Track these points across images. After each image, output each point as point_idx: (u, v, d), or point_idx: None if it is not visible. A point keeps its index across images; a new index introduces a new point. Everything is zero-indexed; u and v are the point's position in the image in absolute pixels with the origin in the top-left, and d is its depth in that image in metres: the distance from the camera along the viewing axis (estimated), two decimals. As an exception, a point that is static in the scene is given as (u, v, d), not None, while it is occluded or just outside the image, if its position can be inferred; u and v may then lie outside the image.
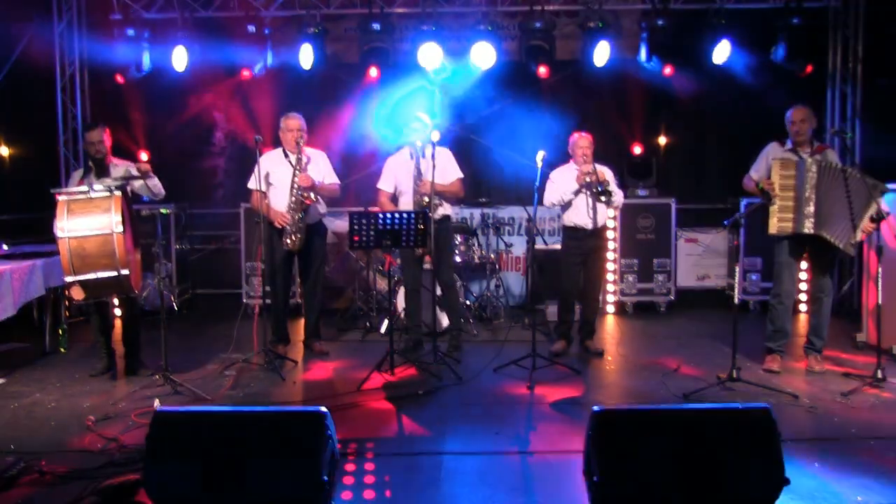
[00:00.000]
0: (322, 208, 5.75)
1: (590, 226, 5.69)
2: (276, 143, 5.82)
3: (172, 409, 3.07)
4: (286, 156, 5.65)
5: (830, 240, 4.97)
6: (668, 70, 7.61)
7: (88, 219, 4.48)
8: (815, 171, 4.98)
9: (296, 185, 5.48)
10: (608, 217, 5.99)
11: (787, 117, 5.19)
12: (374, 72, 7.68)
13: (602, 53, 7.30)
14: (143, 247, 5.15)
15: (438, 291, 6.08)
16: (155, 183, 5.20)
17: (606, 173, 5.71)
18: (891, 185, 5.47)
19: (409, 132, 5.68)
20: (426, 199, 5.47)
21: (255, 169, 5.45)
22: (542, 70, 7.71)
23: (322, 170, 5.74)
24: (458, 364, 5.49)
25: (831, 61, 7.83)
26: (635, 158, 8.20)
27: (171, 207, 7.20)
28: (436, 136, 5.54)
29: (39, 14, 7.51)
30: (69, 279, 4.47)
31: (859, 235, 4.95)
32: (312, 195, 5.51)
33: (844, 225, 4.93)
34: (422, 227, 5.10)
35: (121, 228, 4.49)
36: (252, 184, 5.60)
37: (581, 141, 5.70)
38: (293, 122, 5.61)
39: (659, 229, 7.68)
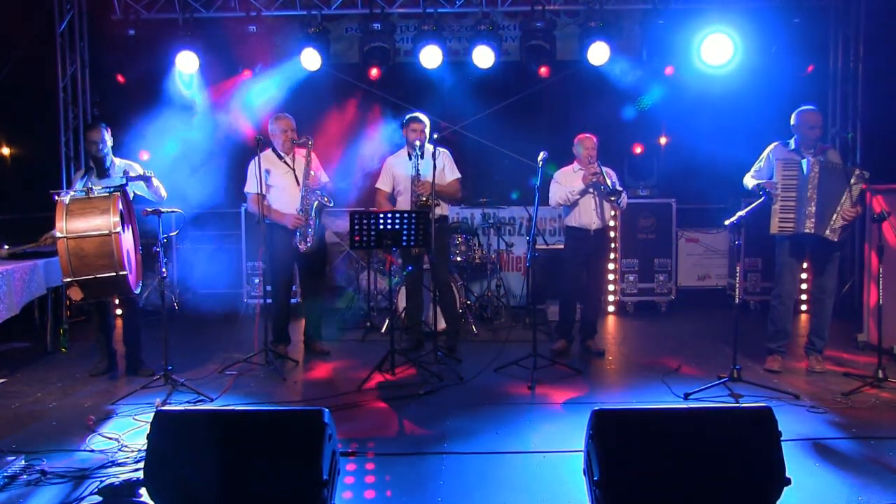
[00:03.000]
0: (331, 204, 5.78)
1: (595, 226, 5.70)
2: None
3: (173, 409, 3.07)
4: (280, 157, 5.65)
5: (827, 236, 4.98)
6: (668, 70, 7.61)
7: (87, 220, 4.48)
8: (818, 171, 4.98)
9: (307, 188, 5.48)
10: (610, 217, 5.99)
11: (801, 121, 5.11)
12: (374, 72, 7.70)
13: (602, 53, 7.29)
14: (143, 247, 5.15)
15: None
16: (156, 187, 5.19)
17: (611, 174, 5.72)
18: (892, 186, 5.48)
19: (408, 132, 5.69)
20: (423, 198, 5.48)
21: (253, 172, 5.43)
22: (543, 70, 7.70)
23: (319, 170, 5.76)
24: (458, 364, 5.50)
25: (832, 60, 7.83)
26: (635, 158, 8.19)
27: (172, 207, 7.21)
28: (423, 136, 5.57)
29: (41, 14, 7.51)
30: (68, 280, 4.47)
31: (839, 221, 4.95)
32: (326, 198, 5.55)
33: (831, 217, 4.99)
34: (422, 226, 5.11)
35: (119, 229, 4.49)
36: (250, 188, 5.58)
37: (586, 142, 5.71)
38: (286, 123, 5.62)
39: (659, 229, 7.68)
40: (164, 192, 5.26)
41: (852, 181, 4.94)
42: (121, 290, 4.68)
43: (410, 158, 5.66)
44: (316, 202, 5.54)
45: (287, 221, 5.53)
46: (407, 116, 5.78)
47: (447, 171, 5.72)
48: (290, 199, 5.56)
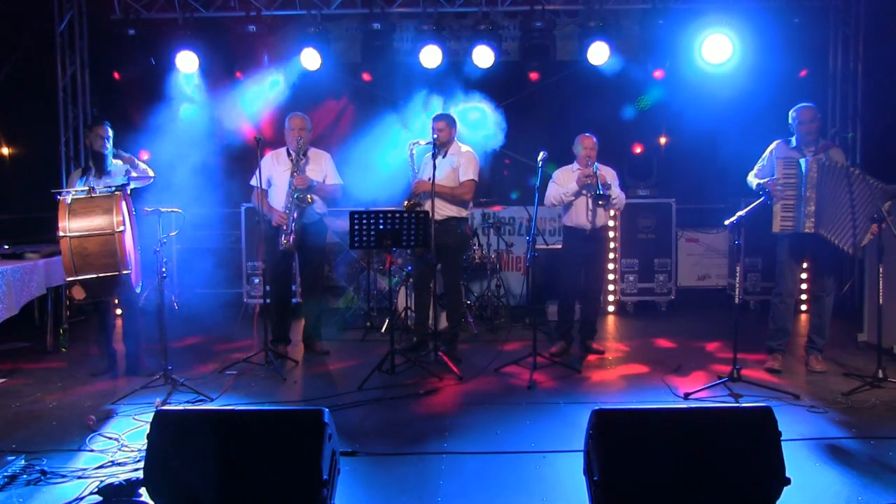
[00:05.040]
0: (320, 207, 5.75)
1: (588, 227, 5.69)
2: (278, 143, 5.83)
3: (173, 409, 3.08)
4: (289, 155, 5.67)
5: (831, 239, 4.96)
6: (659, 73, 7.64)
7: (90, 219, 4.49)
8: (816, 169, 4.98)
9: (292, 186, 5.49)
10: (609, 217, 5.98)
11: (795, 117, 5.14)
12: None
13: (601, 53, 7.30)
14: (143, 246, 5.15)
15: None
16: (142, 169, 5.23)
17: (609, 175, 5.71)
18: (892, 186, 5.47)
19: (432, 132, 5.63)
20: (406, 201, 5.47)
21: (258, 167, 5.47)
22: (541, 72, 7.71)
23: (324, 169, 5.74)
24: (458, 364, 5.49)
25: (832, 60, 7.83)
26: (635, 158, 8.19)
27: (172, 207, 7.22)
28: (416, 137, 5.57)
29: (40, 14, 7.51)
30: (70, 279, 4.47)
31: (866, 239, 4.88)
32: (309, 196, 5.52)
33: (846, 225, 4.92)
34: (422, 227, 5.10)
35: (122, 228, 4.49)
36: (254, 181, 5.62)
37: (585, 142, 5.70)
38: (296, 122, 5.64)
39: (659, 229, 7.68)
40: (151, 172, 5.31)
41: (881, 196, 4.78)
42: (123, 289, 4.69)
43: (433, 158, 5.60)
44: (297, 202, 5.51)
45: (273, 217, 5.57)
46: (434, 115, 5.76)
47: (461, 171, 5.62)
48: (284, 196, 5.57)
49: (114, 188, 4.68)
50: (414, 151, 5.61)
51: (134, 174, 5.10)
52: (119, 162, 5.27)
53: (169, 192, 5.39)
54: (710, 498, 2.74)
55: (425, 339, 5.88)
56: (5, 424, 4.34)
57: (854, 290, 7.51)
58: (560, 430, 4.20)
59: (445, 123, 5.61)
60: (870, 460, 3.69)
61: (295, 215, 5.51)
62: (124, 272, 4.52)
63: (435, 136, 5.53)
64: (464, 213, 5.73)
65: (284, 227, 5.51)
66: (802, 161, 5.03)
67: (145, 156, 7.68)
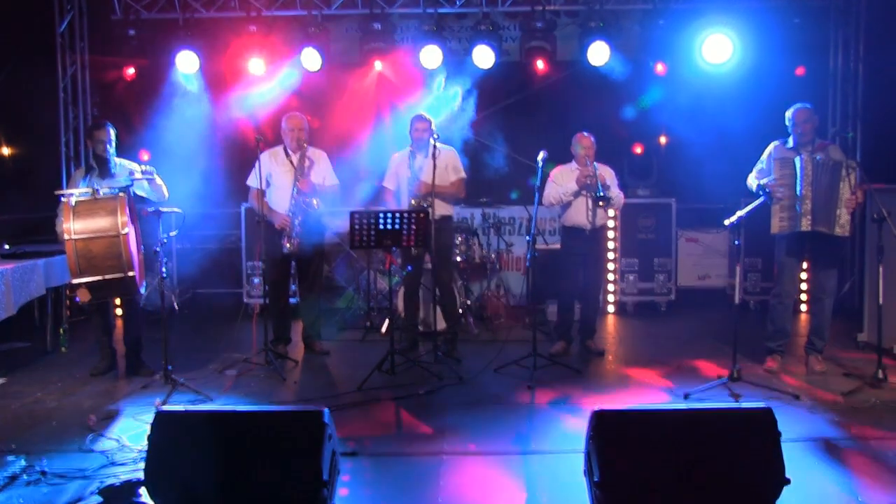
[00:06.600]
0: (320, 208, 5.75)
1: (588, 227, 5.69)
2: (278, 143, 5.82)
3: (173, 409, 3.08)
4: (287, 155, 5.66)
5: (829, 231, 4.97)
6: (660, 68, 7.63)
7: (94, 221, 4.49)
8: (811, 168, 4.99)
9: (296, 190, 5.48)
10: (608, 217, 5.98)
11: (790, 118, 5.16)
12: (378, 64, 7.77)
13: (602, 53, 7.29)
14: (144, 246, 5.15)
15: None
16: (159, 185, 5.19)
17: (608, 174, 5.71)
18: (892, 187, 5.48)
19: (412, 131, 5.68)
20: (414, 200, 5.48)
21: (256, 167, 5.47)
22: (541, 66, 7.70)
23: (322, 171, 5.74)
24: (458, 364, 5.50)
25: (832, 60, 7.82)
26: (635, 158, 8.18)
27: (172, 207, 7.22)
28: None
29: (40, 14, 7.51)
30: (76, 281, 4.46)
31: (843, 215, 4.94)
32: (315, 201, 5.52)
33: (834, 213, 4.97)
34: (422, 227, 5.11)
35: (127, 230, 4.49)
36: (252, 182, 5.62)
37: (583, 141, 5.70)
38: (295, 122, 5.63)
39: (659, 229, 7.68)
40: (165, 192, 5.26)
41: (843, 172, 4.95)
42: (128, 290, 4.69)
43: (414, 157, 5.64)
44: (302, 206, 5.51)
45: (275, 220, 5.56)
46: (413, 115, 5.78)
47: (450, 170, 5.67)
48: (285, 198, 5.57)
49: (118, 189, 4.67)
50: (425, 152, 5.60)
51: (137, 174, 5.09)
52: (123, 162, 5.27)
53: (169, 192, 5.38)
54: (710, 498, 2.75)
55: (416, 339, 5.88)
56: (5, 424, 4.34)
57: (854, 290, 7.50)
58: (560, 430, 4.21)
59: (427, 124, 5.65)
60: (870, 460, 3.69)
61: (299, 219, 5.51)
62: (129, 274, 4.52)
63: (427, 135, 5.54)
64: (452, 210, 5.87)
65: (287, 231, 5.51)
66: (797, 159, 5.04)
67: (145, 156, 7.70)
